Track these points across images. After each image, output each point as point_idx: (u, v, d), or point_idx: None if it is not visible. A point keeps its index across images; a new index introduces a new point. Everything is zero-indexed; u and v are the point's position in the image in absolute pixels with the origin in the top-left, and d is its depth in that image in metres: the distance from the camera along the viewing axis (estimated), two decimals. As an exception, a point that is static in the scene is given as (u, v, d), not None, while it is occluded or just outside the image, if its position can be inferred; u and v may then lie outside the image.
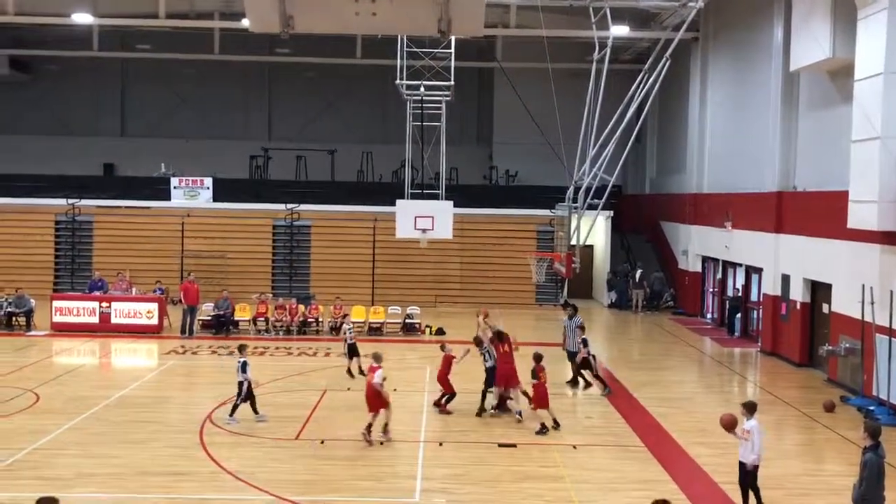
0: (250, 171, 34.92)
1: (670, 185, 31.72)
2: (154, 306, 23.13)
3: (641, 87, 17.18)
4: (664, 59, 16.09)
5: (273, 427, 14.08)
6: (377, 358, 13.73)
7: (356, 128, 37.22)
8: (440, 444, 13.38)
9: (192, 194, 29.72)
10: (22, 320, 23.26)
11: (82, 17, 26.71)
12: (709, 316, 27.87)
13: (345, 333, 18.51)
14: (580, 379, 17.66)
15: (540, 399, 14.30)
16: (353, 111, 37.80)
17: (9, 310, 23.23)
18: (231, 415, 14.29)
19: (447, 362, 15.54)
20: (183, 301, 22.89)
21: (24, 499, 10.69)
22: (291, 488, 11.21)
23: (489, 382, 15.47)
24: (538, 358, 14.45)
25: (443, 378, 15.52)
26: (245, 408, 14.40)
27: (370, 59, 31.28)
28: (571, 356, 17.90)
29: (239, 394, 14.33)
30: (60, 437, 13.35)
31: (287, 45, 33.28)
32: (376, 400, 13.24)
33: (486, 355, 15.57)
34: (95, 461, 12.19)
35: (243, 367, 14.30)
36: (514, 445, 13.35)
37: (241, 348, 14.75)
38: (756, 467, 10.46)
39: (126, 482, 11.36)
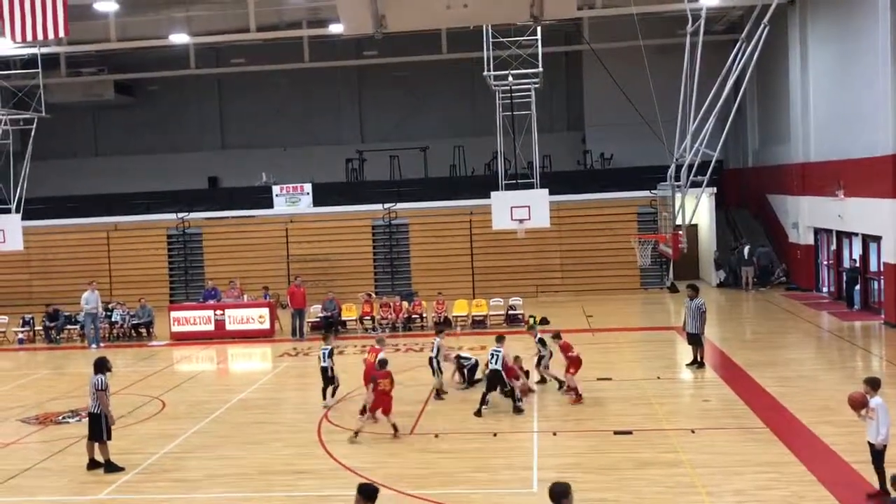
0: (346, 173, 35.59)
1: (775, 157, 30.48)
2: (265, 311, 23.90)
3: (739, 57, 16.53)
4: (762, 25, 15.40)
5: (386, 423, 14.27)
6: (380, 342, 15.36)
7: (446, 123, 37.35)
8: (554, 434, 13.28)
9: (293, 201, 30.53)
10: (144, 331, 24.48)
11: (179, 38, 27.77)
12: (825, 289, 26.66)
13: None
14: (698, 359, 17.19)
15: (377, 404, 13.43)
16: (442, 107, 37.94)
17: (133, 321, 24.48)
18: (325, 398, 15.64)
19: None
20: (290, 305, 23.52)
21: (159, 500, 11.26)
22: (409, 482, 11.36)
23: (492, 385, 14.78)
24: (382, 363, 13.78)
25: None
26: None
27: (456, 52, 31.29)
28: (692, 338, 17.39)
29: (328, 379, 15.66)
30: (188, 440, 13.95)
31: (374, 47, 33.71)
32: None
33: (494, 358, 14.83)
34: (221, 462, 12.68)
35: (329, 354, 15.71)
36: (629, 432, 13.12)
37: (326, 337, 16.27)
38: (885, 447, 9.94)
39: (251, 481, 11.76)
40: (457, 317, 24.04)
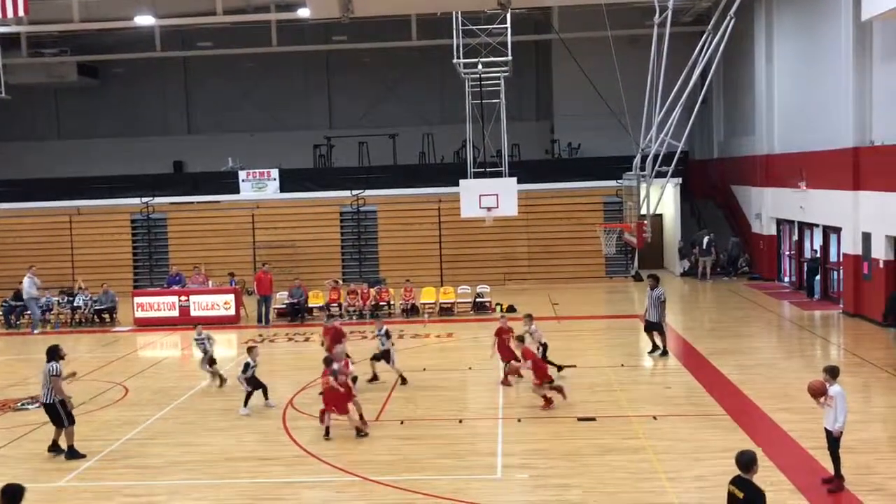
0: (314, 159, 35.35)
1: (740, 148, 30.88)
2: (231, 297, 23.72)
3: (705, 48, 16.70)
4: (728, 17, 15.56)
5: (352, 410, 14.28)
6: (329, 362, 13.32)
7: (416, 110, 37.24)
8: (519, 421, 13.39)
9: (259, 186, 30.27)
10: (107, 316, 24.18)
11: (144, 20, 27.33)
12: (786, 279, 27.13)
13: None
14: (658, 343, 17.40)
15: (328, 403, 12.91)
16: (411, 94, 37.81)
17: (96, 307, 24.15)
18: (267, 398, 14.73)
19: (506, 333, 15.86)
20: (257, 291, 23.36)
21: (120, 487, 11.16)
22: (375, 469, 11.39)
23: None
24: (327, 361, 13.20)
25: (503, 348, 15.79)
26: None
27: (426, 40, 31.18)
28: (649, 326, 17.65)
29: (258, 384, 14.60)
30: (150, 427, 13.83)
31: (343, 32, 33.43)
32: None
33: (533, 336, 15.78)
34: (185, 449, 12.60)
35: (245, 369, 14.53)
36: (593, 419, 13.27)
37: (251, 350, 14.81)
38: (841, 434, 10.17)
39: (215, 468, 11.70)
40: (425, 304, 24.07)
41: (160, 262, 30.64)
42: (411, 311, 23.65)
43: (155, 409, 14.80)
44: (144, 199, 30.62)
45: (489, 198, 22.88)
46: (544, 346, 16.05)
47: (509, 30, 22.40)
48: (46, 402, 12.38)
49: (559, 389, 14.02)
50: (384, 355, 15.92)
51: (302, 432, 13.16)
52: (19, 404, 15.48)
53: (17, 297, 24.68)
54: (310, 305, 24.20)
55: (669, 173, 16.47)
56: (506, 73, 23.61)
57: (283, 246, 29.73)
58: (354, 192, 30.19)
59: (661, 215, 30.01)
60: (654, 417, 13.26)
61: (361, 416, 13.14)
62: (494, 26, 22.48)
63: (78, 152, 36.71)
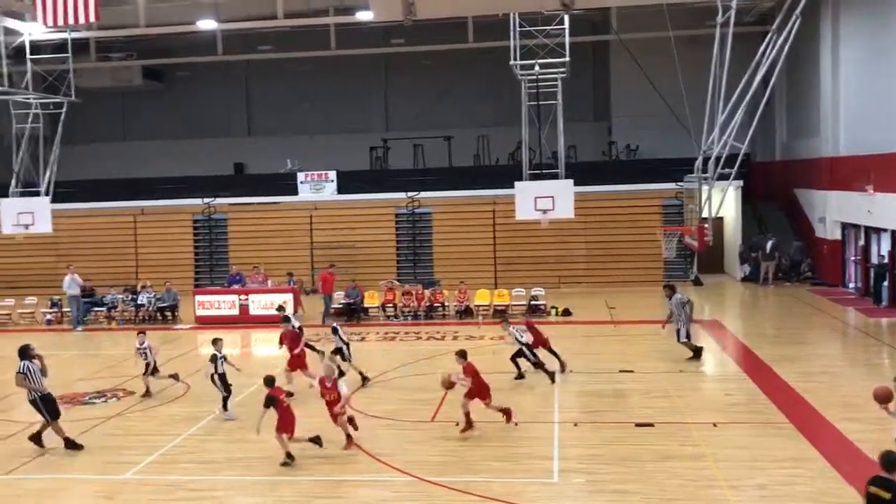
0: (371, 161, 35.64)
1: (804, 150, 30.11)
2: (289, 297, 24.04)
3: (769, 49, 16.36)
4: (794, 16, 15.23)
5: (408, 410, 14.38)
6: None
7: (471, 112, 37.26)
8: (575, 425, 13.28)
9: (317, 188, 30.65)
10: (169, 314, 24.77)
11: (207, 24, 27.90)
12: (851, 285, 26.34)
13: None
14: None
15: (284, 426, 12.06)
16: (467, 96, 37.84)
17: (159, 304, 24.76)
18: (224, 409, 14.39)
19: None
20: (321, 290, 23.60)
21: (182, 481, 11.41)
22: (429, 469, 11.42)
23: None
24: (269, 381, 12.46)
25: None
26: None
27: (482, 42, 31.16)
28: (679, 335, 17.54)
29: (222, 387, 14.40)
30: (210, 423, 14.11)
31: (401, 35, 33.63)
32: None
33: (518, 334, 16.15)
34: (243, 446, 12.80)
35: (213, 359, 14.36)
36: (651, 425, 13.08)
37: (216, 341, 14.69)
38: (914, 443, 9.82)
39: (273, 466, 11.85)
40: (479, 306, 24.06)
41: (220, 261, 31.25)
42: (465, 313, 23.66)
43: (215, 405, 15.06)
44: (206, 200, 31.28)
45: (545, 200, 22.73)
46: (527, 346, 16.15)
47: (567, 30, 22.25)
48: (29, 398, 12.97)
49: (506, 412, 13.22)
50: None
51: (359, 430, 13.24)
52: (87, 398, 15.95)
53: (85, 294, 25.44)
54: (365, 306, 24.40)
55: (732, 176, 16.17)
56: (563, 75, 23.46)
57: (339, 247, 30.03)
58: (410, 193, 30.36)
59: (721, 218, 29.46)
60: (714, 424, 13.02)
61: (349, 436, 12.56)
62: (552, 27, 22.36)
63: (142, 154, 37.65)
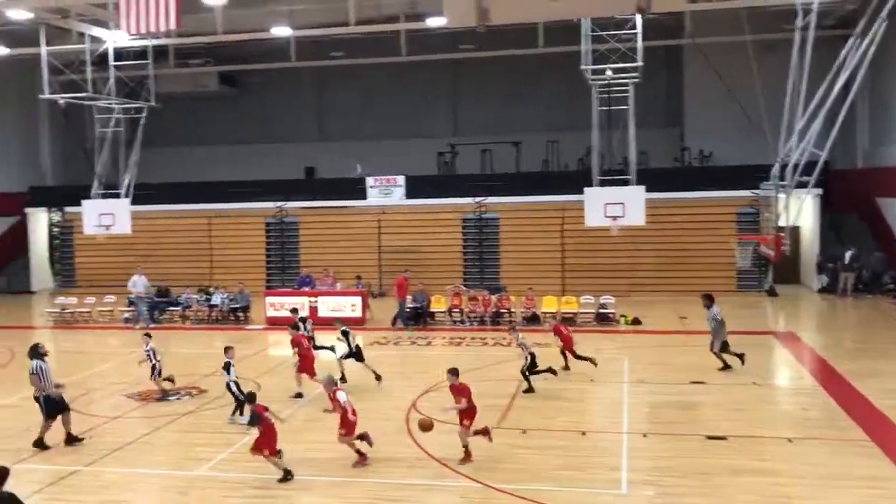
0: (438, 166, 35.78)
1: (887, 158, 29.00)
2: (357, 300, 24.32)
3: (852, 53, 15.81)
4: (879, 20, 14.68)
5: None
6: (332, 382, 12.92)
7: (540, 117, 37.06)
8: (644, 436, 13.06)
9: (386, 192, 30.94)
10: (241, 314, 25.31)
11: (281, 31, 28.45)
12: (938, 299, 25.27)
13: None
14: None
15: (265, 442, 11.72)
16: (536, 101, 37.64)
17: (231, 305, 25.34)
18: (233, 414, 14.45)
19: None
20: (397, 295, 23.77)
21: (252, 479, 11.62)
22: (495, 476, 11.37)
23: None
24: (251, 398, 12.37)
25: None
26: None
27: (553, 46, 30.98)
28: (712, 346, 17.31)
29: (234, 395, 14.47)
30: (279, 423, 14.30)
31: (471, 41, 33.71)
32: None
33: (523, 347, 16.07)
34: (310, 446, 12.98)
35: (226, 367, 14.48)
36: (723, 438, 12.75)
37: (227, 349, 14.76)
38: None
39: (341, 467, 11.97)
40: (546, 313, 23.89)
41: (291, 263, 31.82)
42: (532, 320, 23.53)
43: (284, 406, 15.31)
44: (278, 204, 31.89)
45: (615, 206, 22.47)
46: (532, 356, 16.01)
47: (640, 35, 21.97)
48: (35, 394, 13.21)
49: (486, 432, 12.32)
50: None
51: (423, 435, 13.25)
52: (161, 395, 16.38)
53: (161, 294, 26.24)
54: (432, 310, 24.48)
55: (810, 184, 15.67)
56: (635, 79, 23.15)
57: (407, 251, 30.23)
58: (477, 199, 30.37)
59: (798, 228, 28.63)
60: (790, 440, 12.62)
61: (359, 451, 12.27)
62: (623, 32, 22.10)
63: (217, 158, 38.57)
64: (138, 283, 25.14)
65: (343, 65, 36.00)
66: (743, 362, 17.19)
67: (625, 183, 23.43)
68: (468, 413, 12.13)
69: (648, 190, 23.42)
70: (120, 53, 27.45)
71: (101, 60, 27.26)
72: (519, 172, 33.68)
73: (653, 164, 32.11)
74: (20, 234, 35.10)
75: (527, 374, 16.08)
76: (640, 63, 22.17)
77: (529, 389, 15.92)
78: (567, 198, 28.00)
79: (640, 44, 22.02)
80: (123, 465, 12.29)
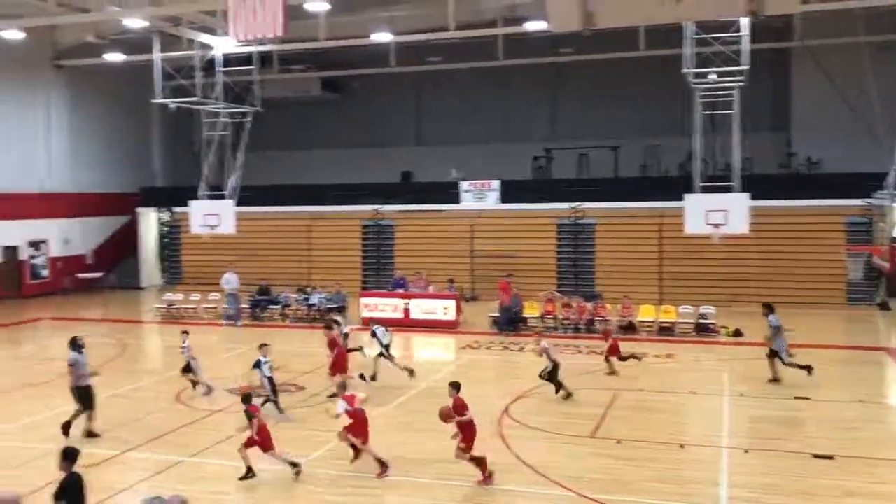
0: (533, 171, 35.58)
1: None
2: (450, 303, 24.42)
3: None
4: None
5: (567, 423, 14.18)
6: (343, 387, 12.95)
7: (639, 121, 36.35)
8: (746, 452, 12.59)
9: (480, 197, 30.98)
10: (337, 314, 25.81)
11: (382, 37, 28.91)
12: None
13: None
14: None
15: (263, 441, 11.92)
16: (635, 105, 36.91)
17: (328, 305, 25.89)
18: (280, 410, 14.84)
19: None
20: (501, 300, 23.70)
21: (345, 476, 11.80)
22: (588, 486, 11.19)
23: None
24: (246, 398, 12.40)
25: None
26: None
27: (654, 50, 30.36)
28: (773, 354, 16.84)
29: (270, 391, 14.82)
30: (373, 421, 14.45)
31: (569, 44, 33.41)
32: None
33: (546, 355, 16.02)
34: (403, 446, 13.07)
35: (257, 365, 14.83)
36: (831, 457, 12.17)
37: (262, 346, 15.21)
38: None
39: (429, 468, 11.99)
40: (642, 322, 23.41)
41: (386, 265, 32.24)
42: (628, 329, 23.08)
43: (377, 405, 15.49)
44: (375, 207, 32.40)
45: (717, 214, 21.81)
46: (554, 365, 15.88)
47: (746, 37, 21.27)
48: (71, 385, 13.78)
49: (481, 463, 11.48)
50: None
51: (516, 441, 13.22)
52: (259, 391, 16.82)
53: (262, 292, 27.04)
54: (525, 315, 24.34)
55: (930, 192, 14.81)
56: (740, 83, 22.43)
57: (500, 256, 30.17)
58: (573, 204, 30.04)
59: (914, 238, 27.11)
60: (906, 462, 11.96)
61: (356, 452, 12.36)
62: (728, 34, 21.45)
63: (317, 161, 39.49)
64: (231, 281, 26.00)
65: (441, 69, 36.28)
66: (809, 373, 16.68)
67: (728, 189, 22.71)
68: (466, 433, 11.47)
69: (753, 197, 22.62)
70: (227, 59, 28.49)
71: (209, 66, 28.38)
72: (617, 177, 33.13)
73: (757, 171, 31.00)
74: (131, 232, 36.88)
75: (545, 377, 16.13)
76: (745, 66, 21.46)
77: (561, 390, 15.97)
78: (666, 204, 27.34)
79: (745, 46, 21.34)
80: (223, 458, 12.67)
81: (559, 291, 26.68)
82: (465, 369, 19.28)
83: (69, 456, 8.68)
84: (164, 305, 27.91)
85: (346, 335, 18.11)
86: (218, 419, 14.92)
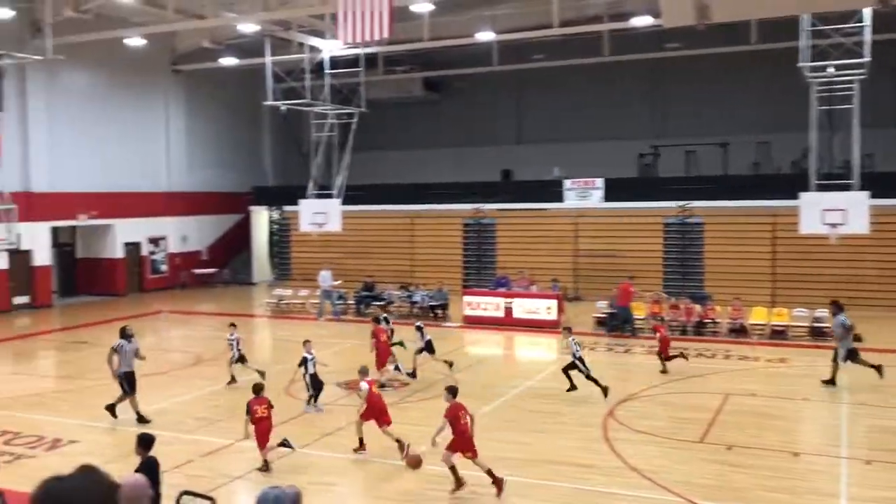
0: (639, 169, 34.90)
1: None
2: (553, 303, 24.25)
3: None
4: None
5: (675, 427, 13.87)
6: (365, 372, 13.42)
7: (750, 117, 35.08)
8: (868, 463, 11.99)
9: (583, 195, 30.63)
10: (440, 312, 26.05)
11: (485, 36, 28.97)
12: None
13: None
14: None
15: (260, 435, 12.18)
16: (745, 100, 35.65)
17: (430, 302, 26.17)
18: (309, 402, 15.28)
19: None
20: (618, 301, 23.35)
21: (448, 473, 11.88)
22: (697, 492, 10.91)
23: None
24: (256, 389, 12.64)
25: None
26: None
27: (766, 43, 29.23)
28: (847, 356, 16.23)
29: (311, 387, 15.22)
30: (481, 420, 14.52)
31: (676, 39, 32.59)
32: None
33: (575, 347, 15.95)
34: (508, 445, 13.07)
35: (303, 362, 15.16)
36: (962, 472, 11.48)
37: (305, 342, 15.56)
38: None
39: (535, 468, 11.99)
40: (754, 325, 22.61)
41: (488, 264, 32.30)
42: (739, 332, 22.34)
43: (481, 403, 15.53)
44: (476, 205, 32.51)
45: (834, 213, 20.86)
46: (581, 360, 15.79)
47: (868, 28, 20.23)
48: (118, 370, 14.64)
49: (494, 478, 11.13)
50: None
51: (621, 444, 13.03)
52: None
53: (366, 289, 27.57)
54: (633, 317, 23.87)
55: None
56: (861, 76, 21.35)
57: (604, 255, 29.75)
58: (680, 203, 29.29)
59: None
60: None
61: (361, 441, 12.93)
62: (848, 25, 20.45)
63: (419, 161, 39.95)
64: (327, 278, 26.67)
65: (543, 67, 36.03)
66: (881, 374, 16.20)
67: (846, 188, 21.68)
68: (456, 438, 11.32)
69: (874, 196, 21.53)
70: (334, 62, 29.18)
71: (317, 69, 29.12)
72: (726, 175, 32.11)
73: (879, 168, 29.45)
74: (244, 230, 38.30)
75: (568, 373, 16.01)
76: (867, 59, 20.42)
77: (572, 387, 15.93)
78: (779, 203, 26.34)
79: (867, 37, 20.29)
80: (330, 450, 13.01)
81: (665, 292, 26.09)
82: (444, 357, 19.05)
83: (144, 442, 9.35)
84: (274, 300, 28.86)
85: (392, 330, 18.73)
86: (324, 412, 15.29)
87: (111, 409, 14.72)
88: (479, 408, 15.15)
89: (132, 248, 34.02)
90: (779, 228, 27.09)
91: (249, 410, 12.24)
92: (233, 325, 17.92)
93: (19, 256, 28.36)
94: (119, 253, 33.38)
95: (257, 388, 12.72)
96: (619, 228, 30.23)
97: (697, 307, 23.25)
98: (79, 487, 2.41)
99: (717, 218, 28.88)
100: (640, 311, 24.03)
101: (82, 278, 33.42)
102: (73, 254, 33.79)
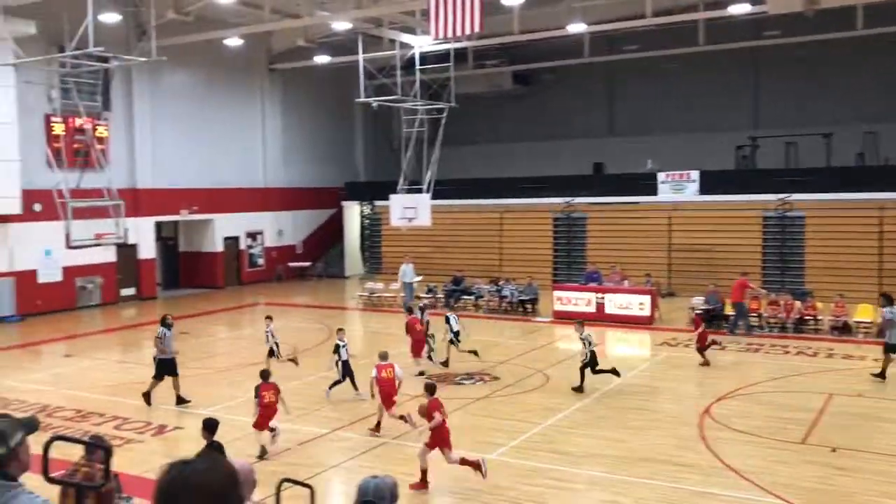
0: (736, 161, 33.84)
1: None
2: (646, 298, 23.81)
3: None
4: None
5: (776, 428, 13.43)
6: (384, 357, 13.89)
7: (855, 107, 33.51)
8: None
9: (678, 188, 29.92)
10: (529, 307, 25.95)
11: (576, 27, 28.61)
12: None
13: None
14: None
15: (262, 420, 12.63)
16: (850, 89, 34.06)
17: (520, 297, 26.10)
18: (331, 387, 15.66)
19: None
20: (732, 298, 22.78)
21: (545, 469, 11.84)
22: (800, 495, 10.54)
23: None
24: (264, 375, 13.09)
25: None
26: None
27: (873, 28, 27.83)
28: (889, 349, 15.79)
29: (341, 374, 15.56)
30: (570, 416, 14.47)
31: (775, 27, 31.42)
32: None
33: (585, 343, 15.95)
34: (602, 442, 12.94)
35: (336, 349, 15.62)
36: None
37: (339, 330, 16.32)
38: None
39: (631, 466, 11.81)
40: (859, 322, 21.64)
41: (578, 258, 31.95)
42: (843, 330, 21.42)
43: (574, 399, 15.46)
44: (566, 199, 32.20)
45: (949, 206, 19.74)
46: (592, 354, 15.85)
47: None
48: (156, 357, 15.59)
49: (476, 466, 11.10)
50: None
51: (719, 443, 12.70)
52: (457, 379, 17.31)
53: (455, 282, 27.71)
54: (726, 313, 23.23)
55: None
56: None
57: (699, 249, 28.99)
58: (780, 196, 28.26)
59: None
60: None
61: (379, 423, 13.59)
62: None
63: (508, 155, 39.84)
64: (408, 272, 26.91)
65: (636, 58, 35.34)
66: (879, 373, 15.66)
67: (962, 179, 20.51)
68: (434, 435, 11.27)
69: None
70: (424, 58, 29.36)
71: (408, 65, 29.39)
72: (829, 167, 30.81)
73: None
74: (337, 224, 39.07)
75: (584, 371, 15.96)
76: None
77: (579, 388, 15.87)
78: (888, 195, 25.16)
79: None
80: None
81: (764, 288, 25.25)
82: (663, 367, 18.77)
83: (209, 427, 9.80)
84: (366, 293, 29.34)
85: (427, 322, 19.07)
86: (413, 405, 15.42)
87: (180, 399, 15.52)
88: (572, 403, 15.09)
89: (231, 242, 35.18)
90: (887, 222, 25.83)
91: (258, 395, 12.67)
92: (269, 317, 18.40)
93: (126, 250, 29.71)
94: (219, 247, 34.58)
95: (265, 374, 13.21)
96: (716, 223, 29.38)
97: (798, 304, 22.42)
98: (204, 470, 2.51)
99: (819, 211, 27.75)
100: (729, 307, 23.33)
101: (184, 271, 34.81)
102: (175, 248, 35.21)
